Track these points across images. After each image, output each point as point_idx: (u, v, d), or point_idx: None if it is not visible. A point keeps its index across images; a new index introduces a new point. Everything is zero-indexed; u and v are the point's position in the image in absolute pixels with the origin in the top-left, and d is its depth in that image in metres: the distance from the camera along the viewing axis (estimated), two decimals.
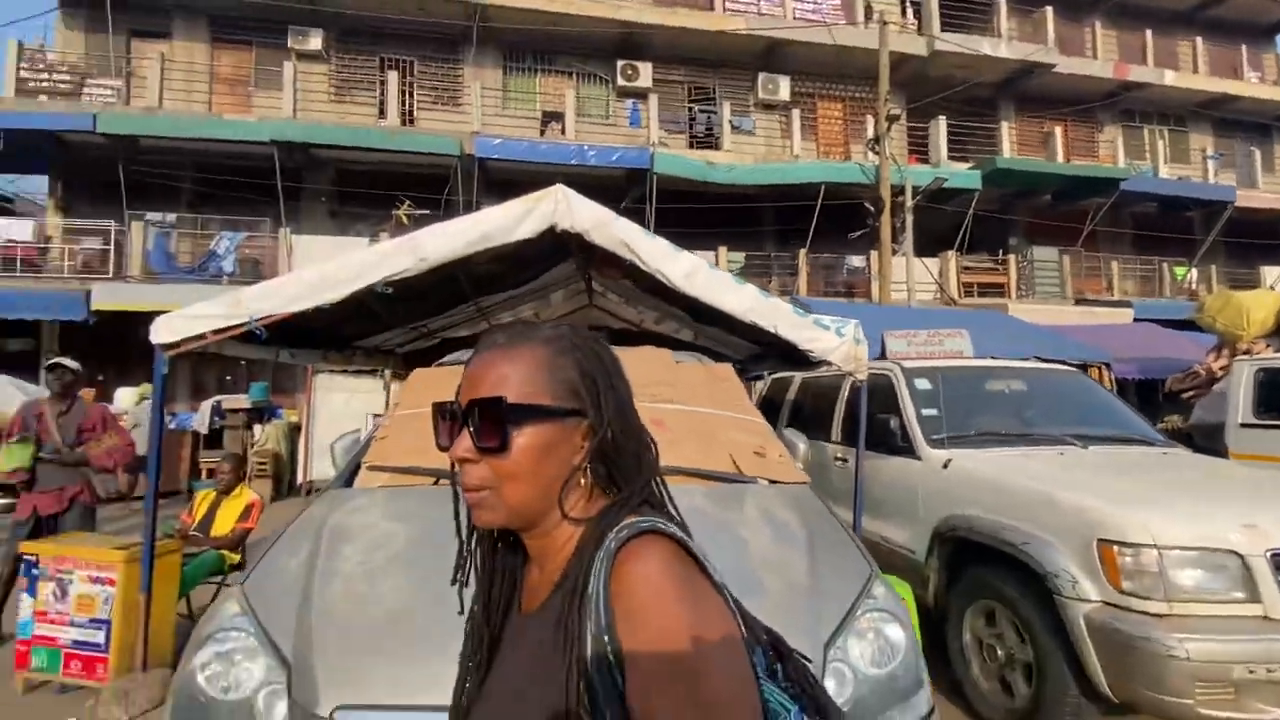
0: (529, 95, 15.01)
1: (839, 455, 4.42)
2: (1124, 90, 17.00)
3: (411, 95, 14.31)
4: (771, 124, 15.97)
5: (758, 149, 15.44)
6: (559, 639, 0.60)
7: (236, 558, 4.11)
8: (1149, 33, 17.42)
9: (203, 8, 13.40)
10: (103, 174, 12.23)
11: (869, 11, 15.45)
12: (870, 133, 14.73)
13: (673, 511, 0.72)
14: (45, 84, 12.25)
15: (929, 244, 14.57)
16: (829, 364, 3.79)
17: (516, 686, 0.66)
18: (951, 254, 15.16)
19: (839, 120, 16.84)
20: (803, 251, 14.59)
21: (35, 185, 15.81)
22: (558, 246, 4.01)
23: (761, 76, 15.62)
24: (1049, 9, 16.45)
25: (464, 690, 0.75)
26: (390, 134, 12.83)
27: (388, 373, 6.75)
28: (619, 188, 13.51)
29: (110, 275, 11.59)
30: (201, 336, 3.18)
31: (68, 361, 4.07)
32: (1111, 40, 17.83)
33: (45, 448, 3.91)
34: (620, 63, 14.86)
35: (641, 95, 14.99)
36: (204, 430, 9.29)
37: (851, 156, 15.88)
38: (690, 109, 15.53)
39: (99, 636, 3.09)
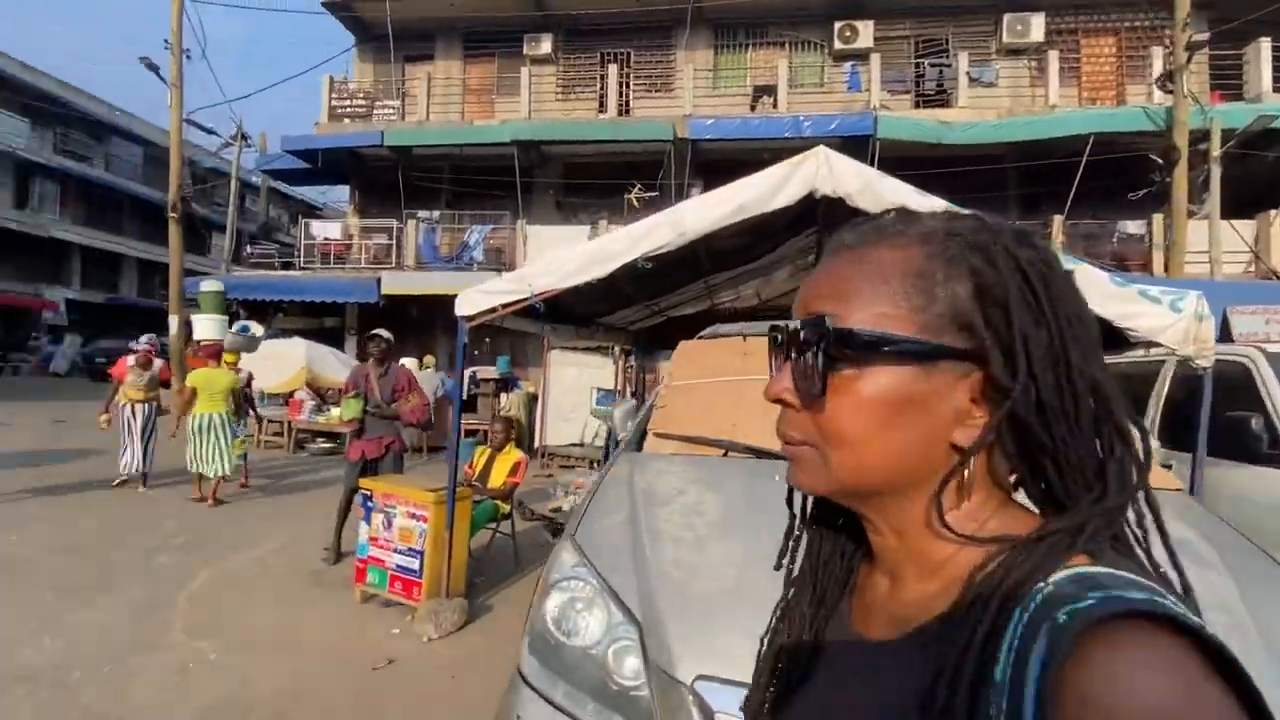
0: (739, 72, 14.76)
1: (1161, 462, 3.61)
2: None
3: (628, 86, 14.92)
4: (1018, 72, 13.77)
5: (1000, 102, 13.43)
6: None
7: (507, 508, 4.63)
8: None
9: (459, 28, 15.34)
10: (387, 181, 14.75)
11: None
12: (1157, 67, 11.95)
13: (1158, 559, 0.43)
14: (347, 109, 15.04)
15: (1239, 204, 11.45)
16: (1154, 346, 3.08)
17: None
18: (1274, 214, 11.75)
19: (1110, 59, 13.94)
20: (1058, 218, 12.39)
21: (339, 194, 19.74)
22: (802, 215, 3.81)
23: (1007, 18, 13.52)
24: None
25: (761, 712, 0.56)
26: (610, 125, 13.51)
27: (617, 348, 7.13)
28: None
29: (394, 265, 13.94)
30: (493, 310, 3.57)
31: (384, 333, 4.90)
32: None
33: (369, 404, 4.76)
34: (837, 25, 13.91)
35: (861, 57, 13.88)
36: (463, 396, 10.75)
37: (1126, 100, 13.08)
38: (919, 64, 14.00)
39: (415, 564, 3.67)
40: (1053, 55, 13.03)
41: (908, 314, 0.44)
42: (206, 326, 10.65)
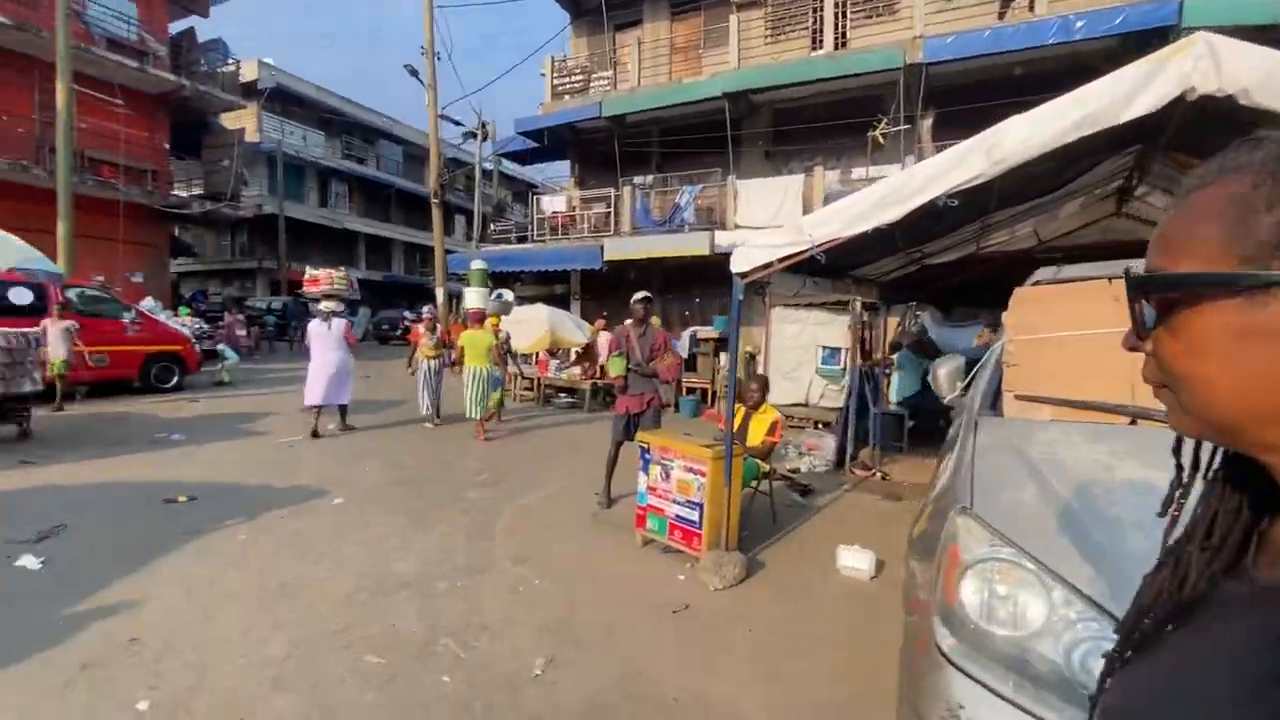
0: None
1: None
2: None
3: (845, 16, 13.63)
4: None
5: None
6: None
7: (767, 466, 4.60)
8: None
9: None
10: (604, 151, 15.49)
11: None
12: None
13: None
14: (566, 86, 15.95)
15: None
16: None
17: (1220, 692, 0.42)
18: None
19: None
20: None
21: (556, 170, 21.26)
22: (1133, 130, 3.05)
23: None
24: None
25: (1119, 666, 0.54)
26: (826, 62, 12.51)
27: (859, 303, 6.65)
28: (1091, 69, 10.35)
29: (612, 232, 14.69)
30: (768, 265, 3.46)
31: (647, 294, 5.07)
32: None
33: (631, 362, 5.02)
34: None
35: None
36: (684, 355, 11.06)
37: None
38: None
39: (694, 515, 3.79)
40: None
41: (1227, 248, 0.44)
42: (473, 296, 12.41)
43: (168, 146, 17.71)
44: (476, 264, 13.99)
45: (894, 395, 7.76)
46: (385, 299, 30.21)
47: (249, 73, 22.90)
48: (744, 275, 3.55)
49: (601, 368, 10.86)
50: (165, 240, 18.50)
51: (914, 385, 7.71)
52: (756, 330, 13.04)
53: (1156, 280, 0.47)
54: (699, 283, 14.99)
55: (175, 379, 10.91)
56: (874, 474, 6.50)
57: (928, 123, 12.80)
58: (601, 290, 15.85)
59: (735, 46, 13.86)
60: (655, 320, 10.17)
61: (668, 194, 14.73)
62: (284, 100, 26.14)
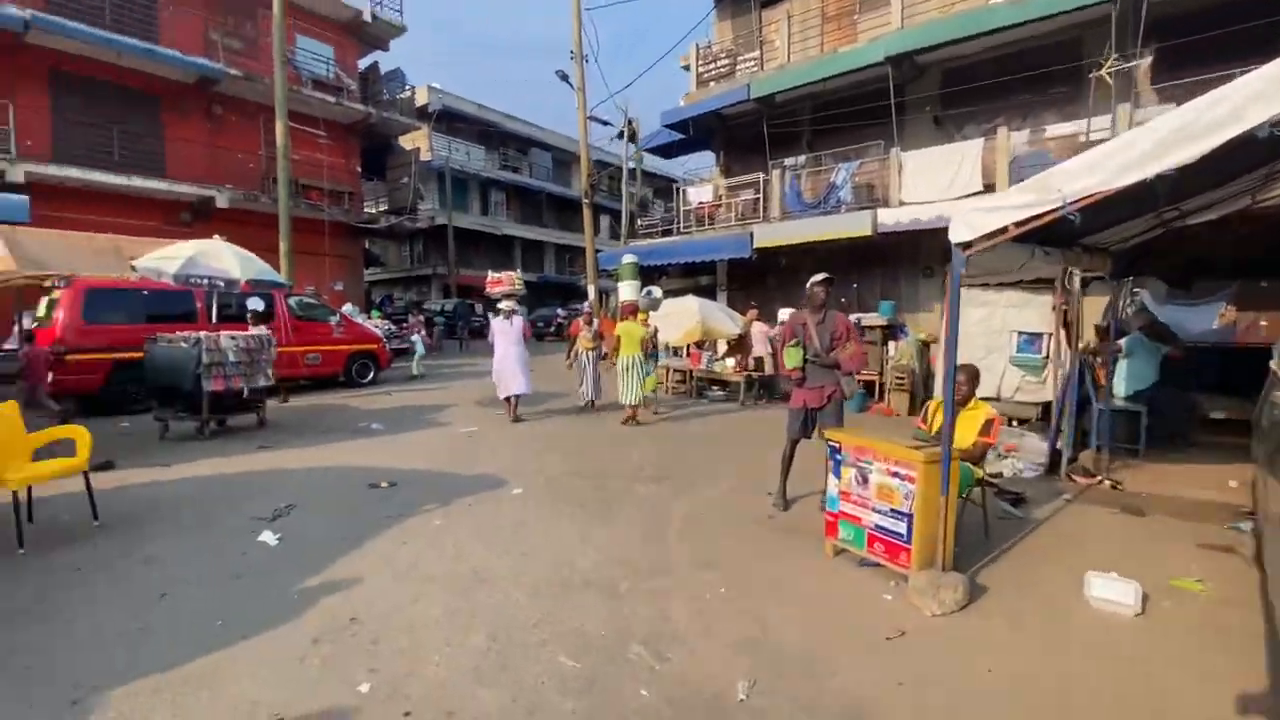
0: None
1: None
2: None
3: None
4: None
5: None
6: None
7: (980, 472, 3.96)
8: None
9: None
10: (751, 135, 14.95)
11: None
12: None
13: None
14: (712, 73, 15.60)
15: None
16: None
17: None
18: None
19: None
20: None
21: (696, 162, 20.98)
22: None
23: None
24: None
25: None
26: (1012, 6, 10.91)
27: (1076, 279, 5.60)
28: None
29: (760, 219, 14.13)
30: (1002, 230, 2.89)
31: (827, 275, 4.62)
32: None
33: (809, 352, 4.61)
34: None
35: None
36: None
37: None
38: None
39: (900, 526, 3.32)
40: None
41: None
42: (627, 290, 12.71)
43: (359, 170, 20.02)
44: (628, 258, 14.32)
45: (1121, 388, 6.51)
46: (539, 298, 31.99)
47: (421, 97, 25.30)
48: (967, 246, 3.00)
49: (758, 359, 10.43)
50: (359, 253, 20.98)
51: (1149, 376, 6.42)
52: (924, 317, 11.83)
53: None
54: (858, 266, 13.94)
55: (371, 374, 12.24)
56: (1100, 481, 5.46)
57: (1146, 62, 10.70)
58: (749, 279, 15.35)
59: (898, 4, 12.62)
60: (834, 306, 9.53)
61: (821, 174, 13.84)
62: (450, 119, 28.57)
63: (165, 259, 7.24)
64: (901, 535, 3.32)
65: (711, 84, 15.64)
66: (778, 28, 14.48)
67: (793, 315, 4.88)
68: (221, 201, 15.32)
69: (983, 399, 8.44)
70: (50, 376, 8.09)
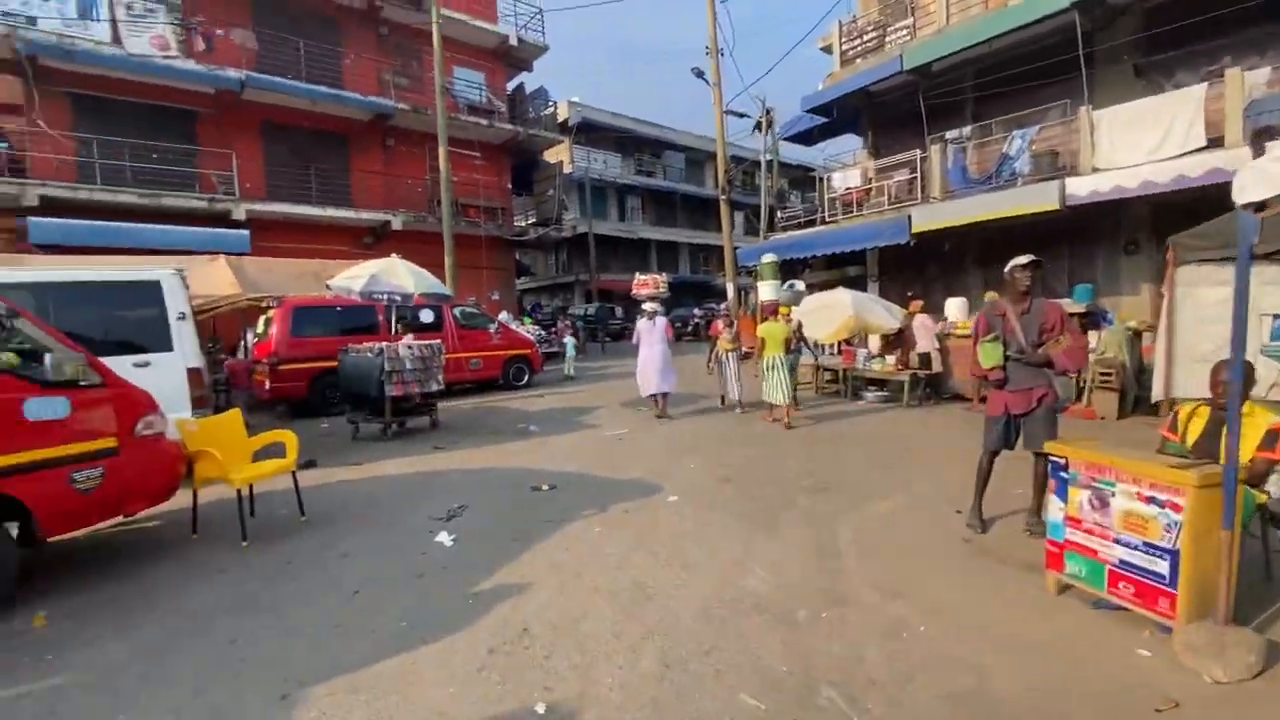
0: None
1: None
2: None
3: None
4: None
5: None
6: None
7: (1265, 496, 3.11)
8: None
9: None
10: (903, 111, 13.73)
11: None
12: None
13: None
14: (858, 48, 14.55)
15: None
16: None
17: None
18: None
19: None
20: None
21: (838, 147, 19.72)
22: None
23: None
24: None
25: None
26: None
27: None
28: None
29: (917, 200, 12.89)
30: None
31: (1034, 258, 3.94)
32: None
33: (1011, 348, 3.95)
34: None
35: None
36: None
37: None
38: None
39: (1160, 565, 2.66)
40: None
41: None
42: (767, 289, 12.26)
43: (509, 186, 21.34)
44: (768, 257, 13.89)
45: None
46: (675, 298, 32.14)
47: (562, 112, 26.44)
48: (1260, 208, 2.31)
49: (924, 356, 9.46)
50: (512, 263, 22.36)
51: None
52: (1127, 301, 10.12)
53: None
54: (1041, 245, 12.19)
55: (526, 377, 12.90)
56: None
57: None
58: (904, 268, 14.08)
59: None
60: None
61: (989, 145, 12.31)
62: (588, 130, 29.60)
63: (352, 278, 8.08)
64: (1162, 576, 2.65)
65: (858, 61, 14.58)
66: None
67: (990, 305, 4.21)
68: (396, 224, 17.03)
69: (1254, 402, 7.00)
70: (266, 384, 9.42)
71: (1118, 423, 7.75)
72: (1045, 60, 11.47)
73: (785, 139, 17.84)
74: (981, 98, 12.89)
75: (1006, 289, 4.02)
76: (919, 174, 12.97)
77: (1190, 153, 9.34)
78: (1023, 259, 3.89)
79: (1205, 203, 9.82)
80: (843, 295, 10.54)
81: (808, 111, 15.23)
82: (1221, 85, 9.32)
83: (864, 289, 13.90)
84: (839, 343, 10.91)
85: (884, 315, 10.33)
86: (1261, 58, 9.75)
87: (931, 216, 12.00)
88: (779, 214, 18.03)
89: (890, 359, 9.69)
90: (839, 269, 16.02)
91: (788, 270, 16.34)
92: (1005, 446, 4.01)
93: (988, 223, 11.59)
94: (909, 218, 12.11)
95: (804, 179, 27.49)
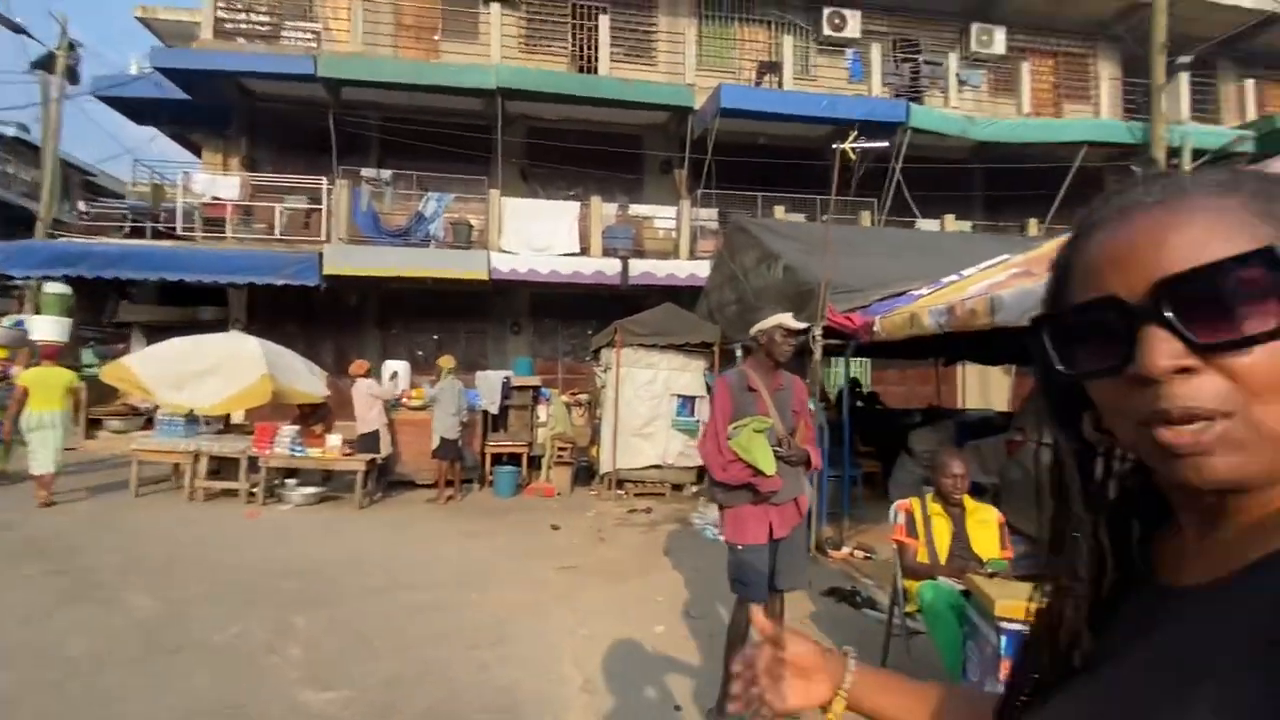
0: (728, 43, 13.56)
1: None
2: None
3: (594, 46, 12.75)
4: (977, 79, 14.44)
5: (965, 106, 13.91)
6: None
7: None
8: None
9: None
10: (290, 126, 11.21)
11: None
12: (1105, 90, 13.29)
13: None
14: (244, 26, 11.07)
15: None
16: None
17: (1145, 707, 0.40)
18: None
19: (1049, 77, 15.20)
20: (1034, 221, 13.10)
21: (167, 144, 14.60)
22: None
23: (975, 27, 14.04)
24: None
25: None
26: (616, 82, 11.51)
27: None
28: (816, 150, 12.42)
29: (320, 237, 10.44)
30: None
31: (802, 324, 2.82)
32: None
33: (772, 437, 2.71)
34: (827, 10, 13.36)
35: (845, 47, 13.58)
36: (494, 410, 8.15)
37: (1062, 116, 14.35)
38: (913, 60, 13.97)
39: None
40: (1024, 66, 13.78)
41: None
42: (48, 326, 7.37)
43: None
44: (55, 287, 8.49)
45: None
46: None
47: None
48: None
49: (367, 436, 7.10)
50: None
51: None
52: (568, 376, 10.81)
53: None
54: (444, 317, 11.95)
55: None
56: (851, 554, 5.35)
57: (683, 173, 12.83)
58: (283, 316, 11.04)
59: (497, 37, 11.72)
60: (452, 363, 7.45)
61: (409, 199, 11.38)
62: None
63: None
64: None
65: (241, 40, 11.07)
66: (349, 6, 11.44)
67: (736, 375, 2.86)
68: None
69: (650, 466, 7.96)
70: None
71: (571, 496, 7.74)
72: (458, 132, 11.59)
73: (106, 96, 11.71)
74: (393, 144, 11.86)
75: (761, 355, 2.81)
76: (324, 208, 10.62)
77: (569, 254, 10.98)
78: (788, 318, 2.77)
79: (570, 296, 11.66)
80: (245, 344, 7.06)
81: (161, 70, 10.40)
82: (589, 207, 11.46)
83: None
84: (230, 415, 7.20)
85: (306, 376, 7.47)
86: (611, 196, 12.44)
87: (348, 260, 9.90)
88: (80, 205, 11.56)
89: (336, 439, 6.88)
90: (185, 306, 11.38)
91: (95, 291, 10.48)
92: (773, 589, 2.71)
93: (402, 282, 10.46)
94: (320, 255, 9.60)
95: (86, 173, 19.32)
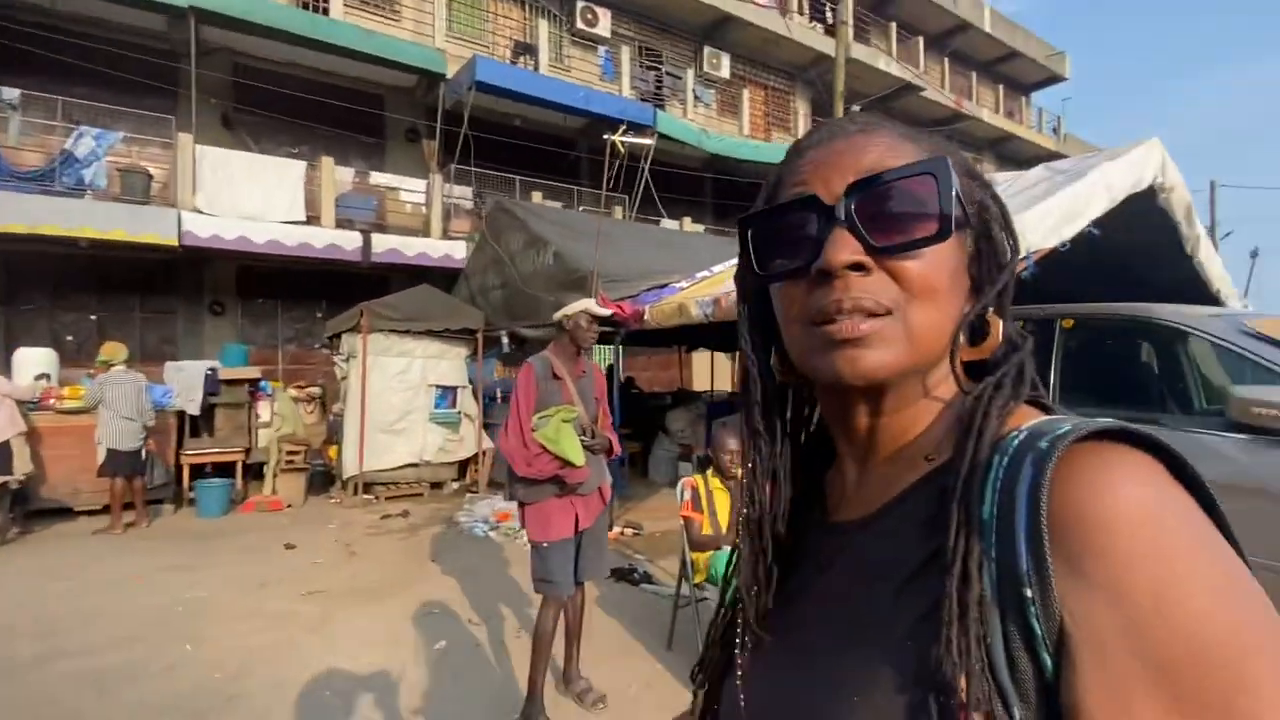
0: (480, 13, 12.92)
1: None
2: (955, 119, 20.96)
3: None
4: (709, 98, 16.25)
5: (699, 119, 15.57)
6: (921, 582, 0.39)
7: None
8: (975, 75, 21.69)
9: None
10: None
11: (800, 6, 16.61)
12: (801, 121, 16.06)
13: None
14: None
15: None
16: None
17: (828, 644, 0.44)
18: None
19: (762, 106, 17.79)
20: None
21: None
22: None
23: (706, 50, 15.75)
24: (920, 39, 19.50)
25: (727, 641, 0.54)
26: (356, 30, 10.06)
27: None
28: (570, 140, 12.89)
29: None
30: None
31: (605, 310, 2.67)
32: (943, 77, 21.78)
33: (579, 427, 2.55)
34: (580, 4, 13.66)
35: (596, 44, 14.07)
36: (194, 410, 6.41)
37: (771, 140, 17.00)
38: (656, 68, 14.96)
39: None
40: (745, 92, 15.84)
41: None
42: None
43: None
44: None
45: None
46: None
47: None
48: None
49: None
50: None
51: None
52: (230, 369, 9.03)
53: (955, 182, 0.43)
54: (122, 289, 9.24)
55: None
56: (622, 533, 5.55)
57: (434, 144, 11.96)
58: None
59: None
60: (123, 350, 6.33)
61: (52, 130, 8.41)
62: None
63: None
64: None
65: None
66: None
67: (539, 361, 2.60)
68: None
69: (407, 465, 7.16)
70: None
71: (305, 508, 6.59)
72: (143, 55, 9.00)
73: None
74: (27, 55, 8.62)
75: (565, 342, 2.62)
76: None
77: (292, 222, 9.38)
78: (593, 304, 2.63)
79: (294, 272, 10.09)
80: None
81: None
82: (318, 170, 9.91)
83: None
84: None
85: None
86: (345, 160, 10.90)
87: None
88: None
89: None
90: None
91: None
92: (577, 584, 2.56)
93: (40, 242, 7.76)
94: None
95: None
